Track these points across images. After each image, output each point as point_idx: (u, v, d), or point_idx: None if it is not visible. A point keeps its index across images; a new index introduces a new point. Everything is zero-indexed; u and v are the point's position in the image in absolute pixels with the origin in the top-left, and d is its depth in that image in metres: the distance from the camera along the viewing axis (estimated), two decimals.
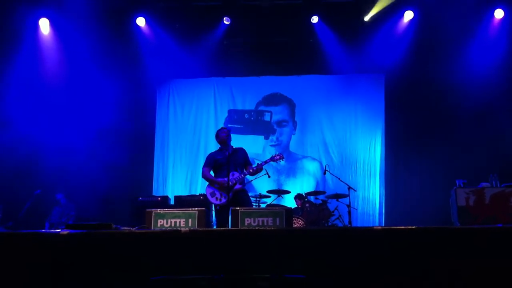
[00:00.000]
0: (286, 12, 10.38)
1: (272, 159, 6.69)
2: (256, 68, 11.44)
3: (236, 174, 6.41)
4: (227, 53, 11.19)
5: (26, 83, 10.18)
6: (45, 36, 10.39)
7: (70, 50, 10.43)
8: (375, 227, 3.90)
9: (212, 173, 6.72)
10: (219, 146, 6.79)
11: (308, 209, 9.14)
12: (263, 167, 6.70)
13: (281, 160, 6.78)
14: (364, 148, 11.10)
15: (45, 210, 9.75)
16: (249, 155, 6.93)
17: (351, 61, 10.86)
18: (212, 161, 6.68)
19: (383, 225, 10.51)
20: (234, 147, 6.71)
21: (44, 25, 10.30)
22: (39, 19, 10.22)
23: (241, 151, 6.73)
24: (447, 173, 9.56)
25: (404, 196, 10.53)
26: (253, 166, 6.61)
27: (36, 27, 10.28)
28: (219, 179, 6.47)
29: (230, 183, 6.27)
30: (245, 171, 6.53)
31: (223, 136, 6.62)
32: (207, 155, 7.02)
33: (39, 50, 10.40)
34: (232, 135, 6.77)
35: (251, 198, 7.69)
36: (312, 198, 9.69)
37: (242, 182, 6.51)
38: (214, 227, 6.72)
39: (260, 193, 9.56)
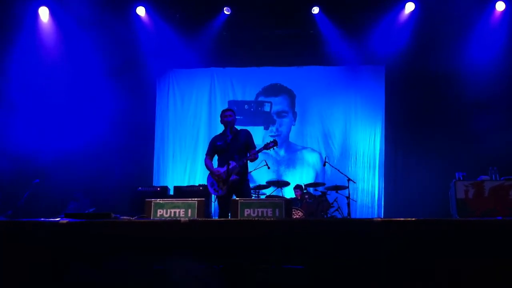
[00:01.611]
0: (287, 3, 10.34)
1: (266, 147, 6.51)
2: (256, 59, 11.42)
3: (233, 164, 6.29)
4: (227, 43, 11.16)
5: (25, 73, 10.17)
6: (44, 24, 10.36)
7: (70, 39, 10.41)
8: (374, 219, 3.90)
9: (216, 156, 6.64)
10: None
11: (307, 200, 9.15)
12: (259, 155, 6.54)
13: (275, 147, 6.61)
14: (364, 140, 11.10)
15: (53, 202, 9.74)
16: None
17: (352, 53, 10.84)
18: (212, 148, 6.61)
19: (382, 217, 10.52)
20: (237, 129, 6.57)
21: (44, 14, 10.26)
22: (38, 7, 10.18)
23: (243, 134, 6.52)
24: (446, 166, 9.56)
25: (403, 188, 10.54)
26: (252, 152, 6.42)
27: (35, 15, 10.24)
28: (216, 169, 6.40)
29: (226, 173, 6.23)
30: (243, 159, 6.36)
31: (226, 121, 6.51)
32: (209, 140, 6.89)
33: (39, 39, 10.36)
34: None
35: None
36: (311, 189, 9.69)
37: (241, 172, 6.39)
38: (215, 217, 6.69)
39: (259, 184, 9.56)
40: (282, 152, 11.20)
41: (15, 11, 9.96)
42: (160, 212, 5.15)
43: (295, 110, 11.42)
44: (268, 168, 9.04)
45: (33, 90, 10.25)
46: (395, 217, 5.37)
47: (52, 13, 10.31)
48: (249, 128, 6.82)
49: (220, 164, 6.44)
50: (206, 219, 5.46)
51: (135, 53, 10.87)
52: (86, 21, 10.29)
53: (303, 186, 9.61)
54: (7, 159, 9.68)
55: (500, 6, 9.95)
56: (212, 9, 10.59)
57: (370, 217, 10.44)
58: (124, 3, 10.37)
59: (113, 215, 4.27)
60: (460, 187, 7.76)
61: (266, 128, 11.31)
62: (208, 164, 6.53)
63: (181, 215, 5.10)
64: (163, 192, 8.99)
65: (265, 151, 6.60)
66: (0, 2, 9.88)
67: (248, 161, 6.43)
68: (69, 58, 10.46)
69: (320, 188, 9.62)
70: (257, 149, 6.40)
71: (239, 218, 4.99)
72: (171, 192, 9.14)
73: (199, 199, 5.23)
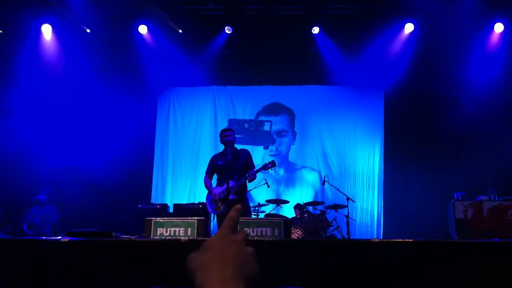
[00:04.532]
0: (287, 22, 10.43)
1: (264, 167, 6.56)
2: (257, 78, 11.48)
3: (232, 183, 6.33)
4: (228, 62, 11.23)
5: (28, 88, 10.25)
6: (47, 42, 10.45)
7: (72, 56, 10.49)
8: (373, 240, 3.93)
9: (216, 175, 6.68)
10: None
11: (307, 219, 9.15)
12: (258, 175, 6.58)
13: (273, 168, 6.66)
14: (363, 159, 11.12)
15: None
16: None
17: (352, 72, 10.86)
18: (212, 168, 6.66)
19: (381, 236, 10.53)
20: (237, 149, 6.64)
21: (47, 31, 10.36)
22: (41, 25, 10.28)
23: (243, 154, 6.58)
24: (445, 186, 9.56)
25: (402, 207, 10.53)
26: (251, 172, 6.47)
27: (38, 32, 10.34)
28: (215, 189, 6.45)
29: (225, 192, 6.27)
30: (242, 179, 6.40)
31: (226, 140, 6.57)
32: (209, 158, 6.94)
33: (41, 56, 10.45)
34: None
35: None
36: (310, 208, 9.69)
37: (239, 191, 6.42)
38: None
39: (258, 203, 9.57)
40: (281, 172, 11.21)
41: (18, 28, 10.07)
42: (160, 230, 5.18)
43: (295, 130, 11.45)
44: (268, 186, 9.05)
45: (34, 107, 10.32)
46: (394, 236, 5.40)
47: (55, 31, 10.40)
48: (249, 147, 6.89)
49: (220, 183, 6.49)
50: (206, 238, 5.47)
51: (136, 71, 10.94)
52: (88, 38, 10.40)
53: (303, 205, 9.61)
54: (8, 175, 9.73)
55: (498, 28, 10.05)
56: (213, 29, 10.66)
57: (369, 236, 10.48)
58: (126, 22, 10.44)
59: (113, 233, 4.29)
60: (459, 207, 7.77)
61: (265, 148, 11.33)
62: (207, 183, 6.58)
63: (181, 233, 5.12)
64: (162, 209, 8.99)
65: (264, 170, 6.65)
66: (4, 19, 9.99)
67: (247, 181, 6.48)
68: (70, 76, 10.53)
69: (320, 207, 9.62)
70: (255, 169, 6.45)
71: None
72: (171, 210, 9.15)
73: (199, 218, 5.26)
